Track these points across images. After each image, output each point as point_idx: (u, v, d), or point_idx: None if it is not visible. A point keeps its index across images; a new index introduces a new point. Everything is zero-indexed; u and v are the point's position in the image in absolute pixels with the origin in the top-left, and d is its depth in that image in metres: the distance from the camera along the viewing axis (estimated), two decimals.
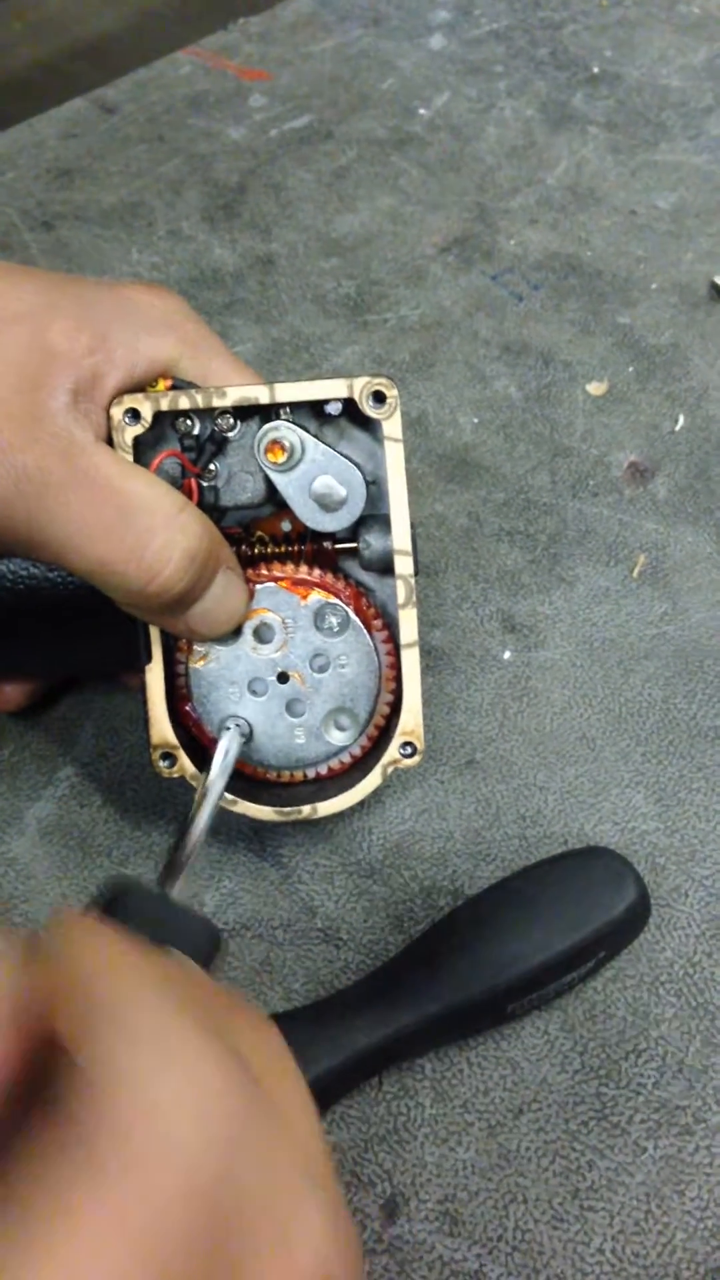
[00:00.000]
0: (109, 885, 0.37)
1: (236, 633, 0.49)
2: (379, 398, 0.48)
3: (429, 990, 0.47)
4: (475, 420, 0.68)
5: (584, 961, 0.48)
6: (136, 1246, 0.23)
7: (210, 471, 0.49)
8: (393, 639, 0.50)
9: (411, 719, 0.50)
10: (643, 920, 0.50)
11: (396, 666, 0.50)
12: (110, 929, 0.29)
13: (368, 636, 0.50)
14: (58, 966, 0.27)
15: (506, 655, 0.60)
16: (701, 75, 0.86)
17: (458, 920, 0.49)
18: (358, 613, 0.50)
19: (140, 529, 0.43)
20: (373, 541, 0.50)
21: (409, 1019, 0.46)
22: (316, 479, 0.49)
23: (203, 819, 0.45)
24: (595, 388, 0.69)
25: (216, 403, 0.47)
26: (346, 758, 0.51)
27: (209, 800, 0.45)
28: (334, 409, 0.49)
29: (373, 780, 0.50)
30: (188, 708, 0.50)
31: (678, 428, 0.68)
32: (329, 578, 0.50)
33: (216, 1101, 0.25)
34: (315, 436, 0.48)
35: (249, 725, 0.50)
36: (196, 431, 0.48)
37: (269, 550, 0.51)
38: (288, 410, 0.49)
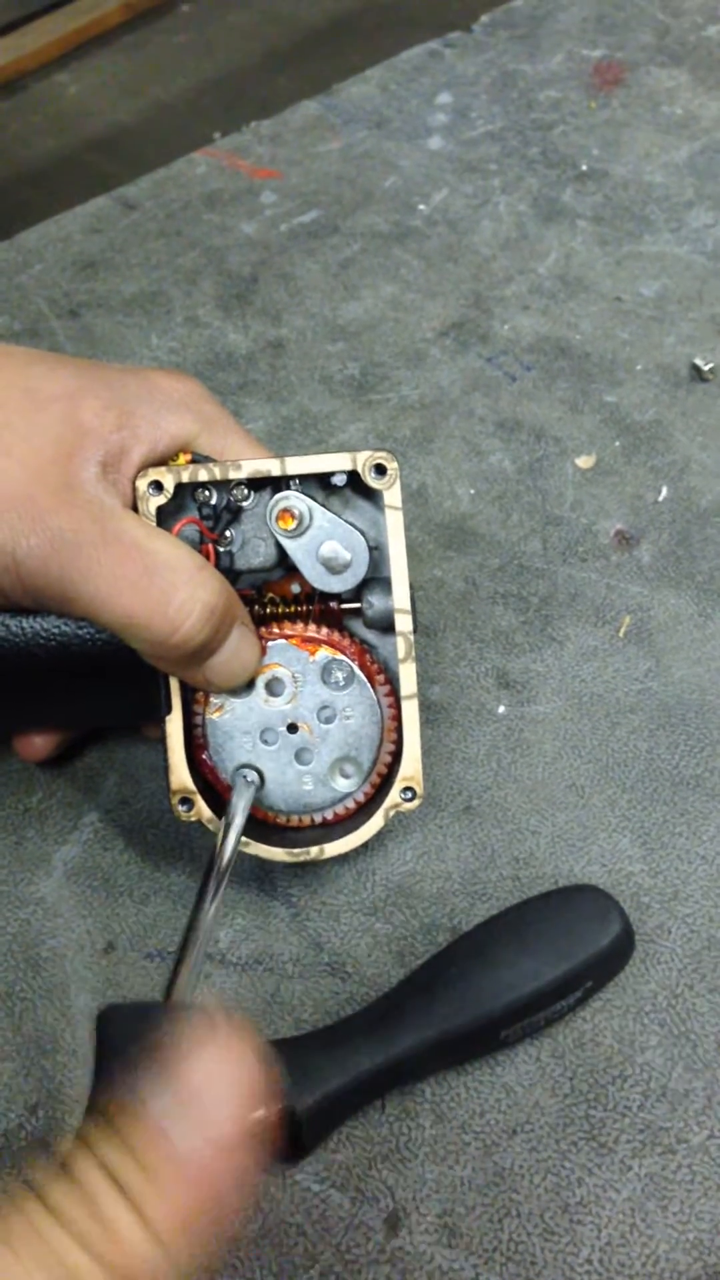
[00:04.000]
0: (111, 1009, 0.43)
1: (250, 686, 0.53)
2: (380, 470, 0.52)
3: (427, 1017, 0.50)
4: (472, 491, 0.73)
5: (572, 991, 0.52)
6: None
7: (226, 538, 0.53)
8: (394, 692, 0.54)
9: (412, 765, 0.54)
10: (627, 953, 0.53)
11: (398, 718, 0.54)
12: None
13: (371, 690, 0.54)
14: None
15: (501, 709, 0.64)
16: (683, 171, 0.92)
17: (454, 952, 0.52)
18: (362, 668, 0.54)
19: (164, 585, 0.48)
20: (375, 602, 0.54)
21: (409, 1043, 0.50)
22: (323, 544, 0.53)
23: (208, 917, 0.48)
24: (584, 461, 0.74)
25: (232, 475, 0.52)
26: (351, 803, 0.55)
27: (212, 894, 0.49)
28: (339, 480, 0.53)
29: (376, 823, 0.54)
30: (204, 756, 0.54)
31: (661, 498, 0.72)
32: (335, 635, 0.54)
33: None
34: (322, 505, 0.53)
35: (259, 774, 0.54)
36: (214, 501, 0.53)
37: (280, 610, 0.55)
38: (297, 481, 0.53)
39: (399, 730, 0.54)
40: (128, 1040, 0.40)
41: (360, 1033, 0.50)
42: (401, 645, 0.53)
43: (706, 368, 0.78)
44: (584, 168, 0.92)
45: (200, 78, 1.08)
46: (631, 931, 0.53)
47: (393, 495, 0.52)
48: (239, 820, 0.51)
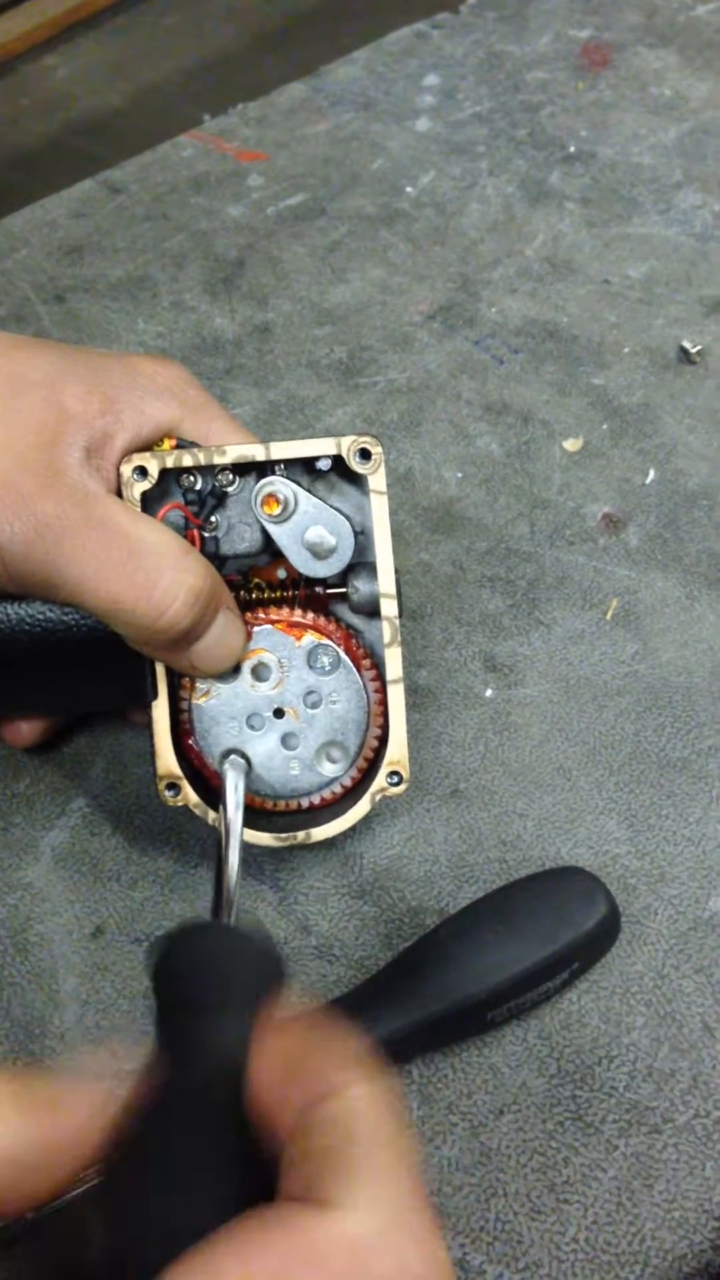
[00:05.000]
0: (177, 928, 0.39)
1: (236, 671, 0.53)
2: (365, 455, 0.52)
3: (415, 998, 0.51)
4: (459, 475, 0.73)
5: (558, 972, 0.52)
6: None
7: (211, 523, 0.53)
8: (380, 676, 0.54)
9: (398, 750, 0.54)
10: (613, 934, 0.54)
11: (384, 702, 0.54)
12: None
13: (357, 675, 0.54)
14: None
15: (488, 693, 0.64)
16: (671, 153, 0.91)
17: (440, 934, 0.53)
18: (348, 652, 0.54)
19: (149, 569, 0.48)
20: (361, 586, 0.54)
21: (397, 1024, 0.50)
22: (309, 529, 0.53)
23: (234, 853, 0.48)
24: (571, 444, 0.74)
25: (217, 460, 0.52)
26: (338, 788, 0.55)
27: (234, 835, 0.49)
28: (324, 465, 0.53)
29: (362, 807, 0.54)
30: (191, 741, 0.54)
31: (648, 481, 0.72)
32: (321, 620, 0.54)
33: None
34: (307, 490, 0.53)
35: (246, 759, 0.54)
36: (199, 487, 0.53)
37: (266, 595, 0.55)
38: (282, 466, 0.53)
39: (385, 715, 0.54)
40: (198, 969, 0.38)
41: (345, 1015, 0.50)
42: (387, 630, 0.53)
43: (694, 350, 0.78)
44: (572, 149, 0.92)
45: (190, 60, 1.07)
46: (618, 912, 0.53)
47: (377, 480, 0.52)
48: (235, 796, 0.51)
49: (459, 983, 0.51)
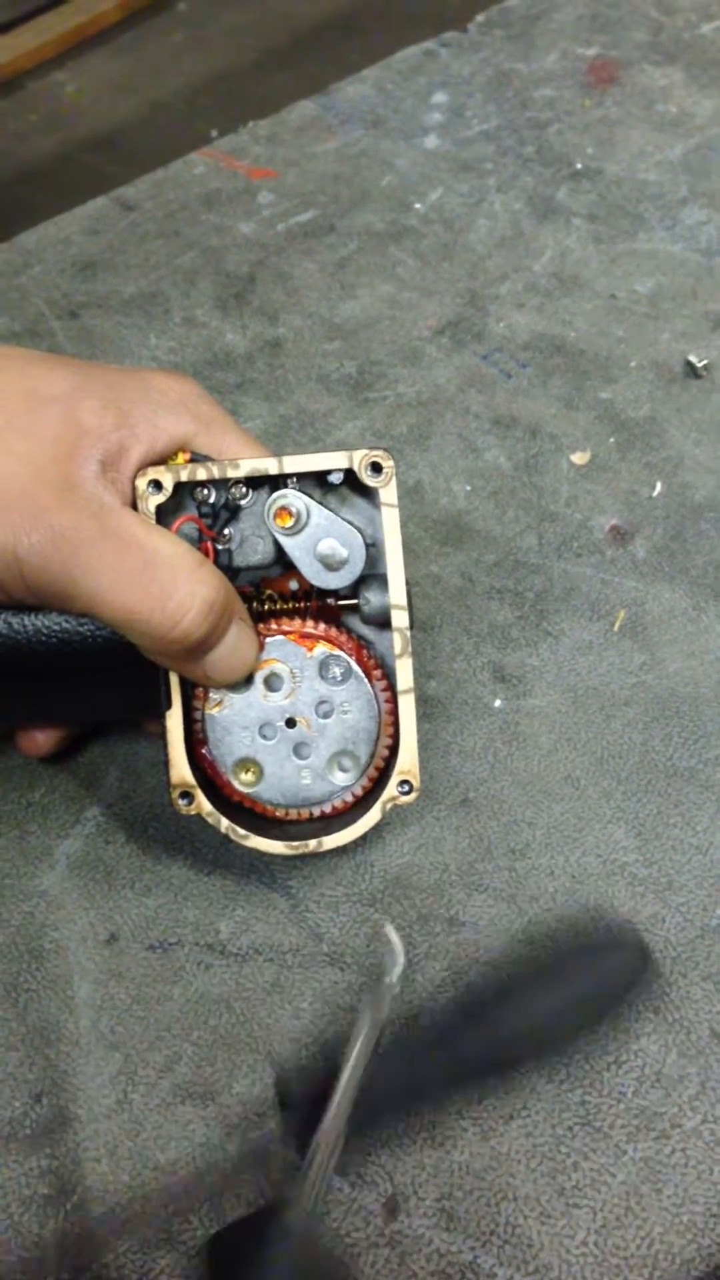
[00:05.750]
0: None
1: (248, 681, 0.54)
2: (376, 468, 0.53)
3: (446, 1050, 0.51)
4: (468, 488, 0.73)
5: (593, 1036, 0.54)
6: None
7: (225, 536, 0.54)
8: (391, 687, 0.55)
9: (408, 759, 0.55)
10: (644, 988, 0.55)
11: (394, 712, 0.55)
12: None
13: (368, 685, 0.55)
14: None
15: (497, 703, 0.65)
16: (677, 169, 0.92)
17: (478, 988, 0.54)
18: (359, 663, 0.55)
19: (164, 580, 0.48)
20: (372, 598, 0.55)
21: (423, 1071, 0.51)
22: (321, 541, 0.54)
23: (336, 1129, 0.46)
24: (579, 457, 0.75)
25: (230, 474, 0.52)
26: (349, 797, 0.56)
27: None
28: (336, 478, 0.54)
29: (373, 816, 0.55)
30: (204, 750, 0.55)
31: (655, 494, 0.73)
32: (333, 631, 0.55)
33: None
34: (320, 503, 0.54)
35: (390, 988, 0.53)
36: (213, 500, 0.53)
37: (278, 607, 0.56)
38: (294, 480, 0.54)
39: (395, 724, 0.55)
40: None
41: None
42: (398, 641, 0.54)
43: (700, 364, 0.79)
44: (579, 166, 0.93)
45: (197, 76, 1.08)
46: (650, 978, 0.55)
47: (388, 493, 0.53)
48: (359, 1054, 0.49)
49: (491, 1041, 0.52)
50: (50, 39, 1.10)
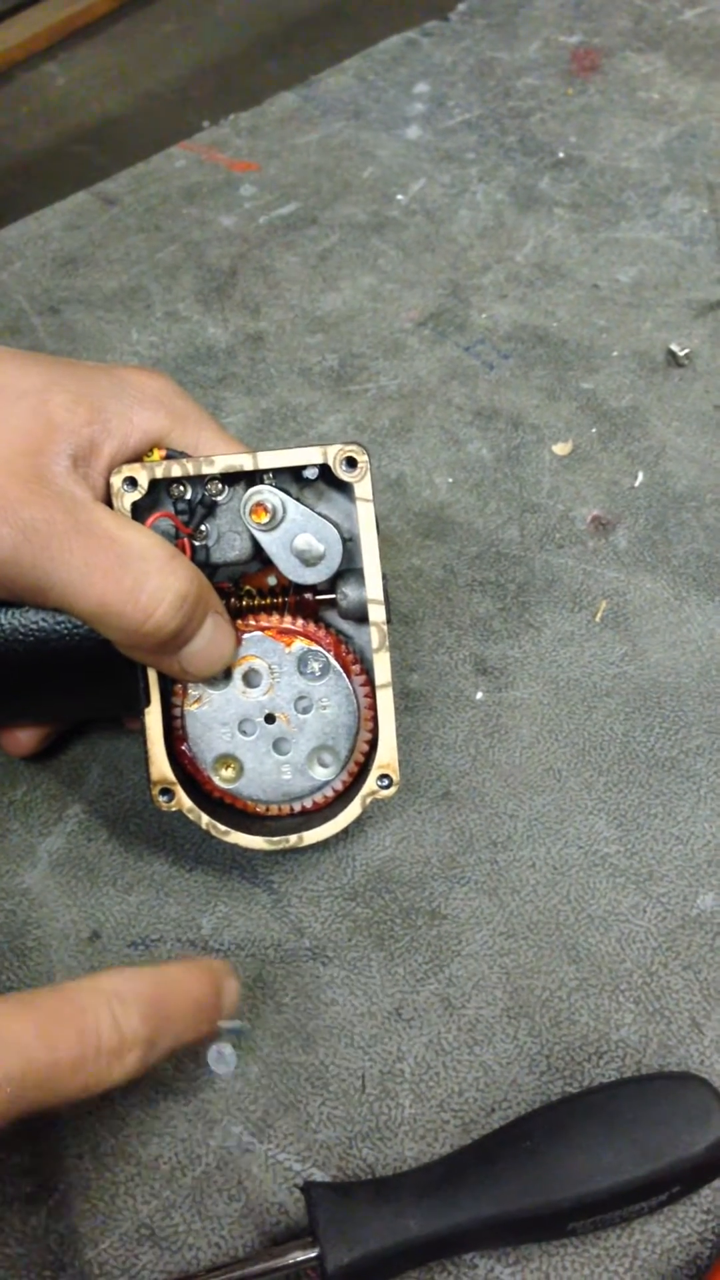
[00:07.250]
0: None
1: (227, 677, 0.54)
2: (351, 463, 0.53)
3: (489, 1192, 0.46)
4: (450, 480, 0.73)
5: (656, 1193, 0.47)
6: None
7: (202, 532, 0.54)
8: (370, 681, 0.55)
9: (388, 753, 0.55)
10: None
11: (374, 706, 0.55)
12: None
13: (347, 680, 0.55)
14: None
15: (479, 695, 0.65)
16: (660, 157, 0.92)
17: (530, 1125, 0.48)
18: (337, 658, 0.55)
19: (136, 573, 0.48)
20: (349, 592, 0.55)
21: (463, 1217, 0.45)
22: (297, 537, 0.54)
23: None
24: (561, 448, 0.75)
25: (206, 470, 0.52)
26: (330, 792, 0.56)
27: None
28: (311, 474, 0.54)
29: (353, 810, 0.55)
30: (184, 747, 0.55)
31: (637, 484, 0.73)
32: (311, 626, 0.55)
33: None
34: (296, 499, 0.54)
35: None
36: (189, 496, 0.53)
37: (256, 602, 0.56)
38: (270, 475, 0.54)
39: (375, 719, 0.55)
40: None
41: (413, 1193, 0.46)
42: (375, 635, 0.54)
43: (682, 353, 0.79)
44: (561, 155, 0.93)
45: (189, 67, 1.08)
46: None
47: (363, 488, 0.53)
48: None
49: (541, 1185, 0.46)
50: (41, 30, 1.09)
